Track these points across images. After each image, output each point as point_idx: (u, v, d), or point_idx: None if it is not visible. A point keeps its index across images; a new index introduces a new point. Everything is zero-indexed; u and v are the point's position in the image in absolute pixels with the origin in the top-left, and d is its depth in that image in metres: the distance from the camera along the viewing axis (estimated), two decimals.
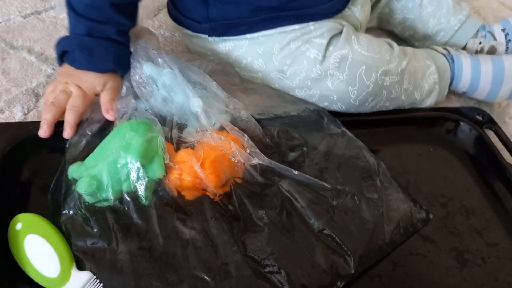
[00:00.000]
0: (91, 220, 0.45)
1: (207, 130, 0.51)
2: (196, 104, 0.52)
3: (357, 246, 0.47)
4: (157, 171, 0.47)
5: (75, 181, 0.47)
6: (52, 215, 0.47)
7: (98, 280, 0.42)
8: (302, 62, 0.61)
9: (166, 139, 0.50)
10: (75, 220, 0.45)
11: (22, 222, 0.45)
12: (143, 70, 0.55)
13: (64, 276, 0.43)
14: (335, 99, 0.62)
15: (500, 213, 0.57)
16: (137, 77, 0.55)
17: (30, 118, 0.61)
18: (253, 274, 0.43)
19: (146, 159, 0.46)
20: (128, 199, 0.46)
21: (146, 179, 0.47)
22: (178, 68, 0.55)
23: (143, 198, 0.46)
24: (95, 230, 0.45)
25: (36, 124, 0.57)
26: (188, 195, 0.48)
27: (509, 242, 0.54)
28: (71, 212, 0.46)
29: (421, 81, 0.65)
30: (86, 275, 0.42)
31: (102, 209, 0.46)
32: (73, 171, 0.47)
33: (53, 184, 0.49)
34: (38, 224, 0.45)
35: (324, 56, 0.60)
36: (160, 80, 0.54)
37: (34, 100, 0.64)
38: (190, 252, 0.44)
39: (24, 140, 0.54)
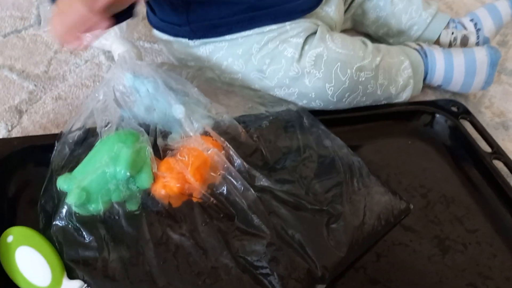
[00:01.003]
0: (82, 230, 0.46)
1: (191, 135, 0.52)
2: (178, 110, 0.54)
3: (343, 243, 0.48)
4: (145, 181, 0.48)
5: (63, 193, 0.48)
6: (43, 227, 0.48)
7: None
8: (280, 61, 0.62)
9: (152, 147, 0.51)
10: (66, 231, 0.46)
11: (13, 235, 0.46)
12: (126, 80, 0.56)
13: (55, 285, 0.43)
14: (313, 96, 0.63)
15: (478, 200, 0.59)
16: (121, 87, 0.56)
17: (14, 134, 0.62)
18: (245, 277, 0.44)
19: (134, 170, 0.47)
20: (117, 208, 0.47)
21: (136, 188, 0.48)
22: (159, 77, 0.56)
23: (132, 207, 0.47)
24: (87, 240, 0.46)
25: (20, 140, 0.58)
26: (176, 202, 0.49)
27: (488, 227, 0.56)
28: (62, 223, 0.46)
29: (396, 76, 0.67)
30: (76, 284, 0.43)
31: (92, 219, 0.47)
32: (62, 182, 0.48)
33: (42, 195, 0.50)
34: (29, 236, 0.46)
35: (301, 55, 0.62)
36: (143, 89, 0.55)
37: (17, 116, 0.64)
38: (181, 258, 0.45)
39: (9, 156, 0.55)
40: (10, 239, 0.46)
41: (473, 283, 0.50)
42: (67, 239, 0.46)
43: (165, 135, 0.54)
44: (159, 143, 0.52)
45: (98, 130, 0.51)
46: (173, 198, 0.48)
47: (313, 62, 0.62)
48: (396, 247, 0.53)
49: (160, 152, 0.52)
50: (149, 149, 0.49)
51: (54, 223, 0.47)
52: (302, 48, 0.62)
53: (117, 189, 0.47)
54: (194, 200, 0.48)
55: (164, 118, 0.55)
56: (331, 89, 0.62)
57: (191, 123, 0.53)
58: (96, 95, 0.53)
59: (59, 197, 0.48)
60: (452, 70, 0.70)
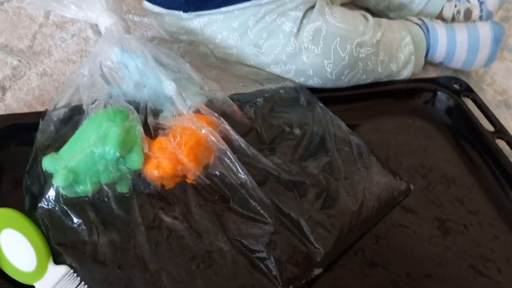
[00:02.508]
0: (70, 213, 0.44)
1: (184, 114, 0.50)
2: (169, 87, 0.51)
3: (341, 226, 0.46)
4: (136, 161, 0.46)
5: (49, 174, 0.46)
6: (28, 209, 0.46)
7: (75, 274, 0.41)
8: (278, 35, 0.59)
9: (143, 126, 0.48)
10: (53, 213, 0.44)
11: None
12: (114, 55, 0.53)
13: (41, 270, 0.42)
14: (311, 73, 0.61)
15: (480, 180, 0.58)
16: (108, 62, 0.53)
17: None
18: (240, 261, 0.43)
19: (124, 149, 0.45)
20: (107, 190, 0.45)
21: (126, 169, 0.45)
22: (149, 51, 0.53)
23: (123, 189, 0.45)
24: (75, 223, 0.44)
25: (4, 118, 0.56)
26: (169, 183, 0.47)
27: (490, 208, 0.55)
28: (48, 205, 0.44)
29: (397, 52, 0.64)
30: (63, 269, 0.41)
31: (81, 202, 0.44)
32: (48, 163, 0.46)
33: (27, 175, 0.48)
34: (15, 218, 0.44)
35: (299, 29, 0.59)
36: (132, 65, 0.53)
37: (0, 93, 0.61)
38: (174, 241, 0.43)
39: None
40: None
41: (474, 265, 0.49)
42: (54, 222, 0.44)
43: (156, 113, 0.51)
44: (150, 121, 0.49)
45: (84, 107, 0.48)
46: (166, 179, 0.46)
47: (311, 37, 0.59)
48: (396, 228, 0.51)
49: (151, 132, 0.49)
50: (140, 128, 0.47)
51: (39, 205, 0.44)
52: (301, 22, 0.59)
53: (106, 170, 0.45)
54: (188, 181, 0.46)
55: (155, 95, 0.52)
56: (329, 66, 0.60)
57: (183, 101, 0.50)
58: (82, 70, 0.50)
59: (45, 178, 0.46)
60: (455, 46, 0.68)
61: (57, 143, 0.49)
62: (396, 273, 0.47)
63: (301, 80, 0.62)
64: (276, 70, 0.62)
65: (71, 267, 0.41)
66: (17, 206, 0.45)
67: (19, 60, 0.66)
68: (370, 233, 0.50)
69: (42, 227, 0.44)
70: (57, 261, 0.42)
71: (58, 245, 0.43)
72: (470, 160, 0.60)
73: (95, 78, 0.52)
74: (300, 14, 0.59)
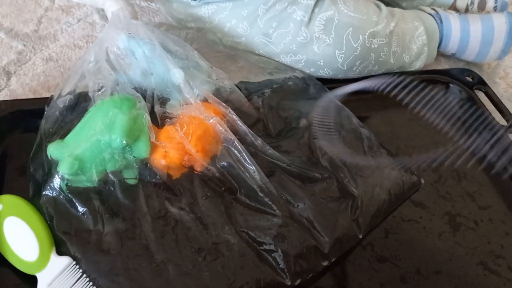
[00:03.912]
0: (75, 201, 0.43)
1: (191, 103, 0.49)
2: (177, 75, 0.50)
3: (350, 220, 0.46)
4: (142, 150, 0.45)
5: (54, 161, 0.45)
6: (32, 196, 0.45)
7: (77, 266, 0.41)
8: (288, 24, 0.58)
9: (149, 115, 0.47)
10: (57, 202, 0.43)
11: (3, 203, 0.43)
12: (120, 41, 0.52)
13: (43, 260, 0.41)
14: (321, 64, 0.59)
15: (491, 176, 0.56)
16: (115, 48, 0.52)
17: (2, 97, 0.58)
18: (247, 253, 0.42)
19: (131, 138, 0.44)
20: (113, 179, 0.44)
21: (132, 158, 0.45)
22: (157, 38, 0.52)
23: (129, 178, 0.44)
24: (80, 211, 0.43)
25: (8, 104, 0.55)
26: (176, 174, 0.46)
27: (501, 204, 0.54)
28: (53, 193, 0.44)
29: (410, 43, 0.63)
30: (65, 260, 0.41)
31: (86, 190, 0.44)
32: (53, 150, 0.45)
33: (31, 162, 0.47)
34: (19, 206, 0.44)
35: (310, 18, 0.57)
36: (139, 52, 0.51)
37: (5, 78, 0.60)
38: (180, 233, 0.42)
39: None
40: None
41: (484, 261, 0.48)
42: (59, 211, 0.43)
43: (163, 101, 0.50)
44: (156, 110, 0.49)
45: (90, 94, 0.47)
46: (173, 169, 0.45)
47: (323, 26, 0.57)
48: (406, 223, 0.50)
49: (158, 120, 0.48)
50: (147, 117, 0.46)
51: (44, 193, 0.44)
52: (312, 11, 0.57)
53: (112, 159, 0.44)
54: (195, 172, 0.45)
55: (162, 83, 0.51)
56: (341, 57, 0.58)
57: (190, 89, 0.49)
58: (88, 56, 0.49)
59: (50, 166, 0.45)
60: (468, 38, 0.66)
61: (62, 130, 0.48)
62: (405, 268, 0.47)
63: (311, 70, 0.61)
64: (286, 60, 0.61)
65: (75, 257, 0.41)
66: (22, 193, 0.45)
67: (24, 45, 0.65)
68: (380, 228, 0.49)
69: (46, 216, 0.43)
70: (60, 252, 0.42)
71: (62, 233, 0.42)
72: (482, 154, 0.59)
73: (101, 64, 0.51)
74: (312, 2, 0.57)
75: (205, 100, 0.50)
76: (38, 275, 0.41)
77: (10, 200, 0.44)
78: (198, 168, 0.45)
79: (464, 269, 0.47)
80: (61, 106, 0.49)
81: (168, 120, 0.48)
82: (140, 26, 0.52)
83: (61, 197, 0.43)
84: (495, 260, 0.49)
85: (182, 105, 0.49)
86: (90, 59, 0.49)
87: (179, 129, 0.46)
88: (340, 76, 0.61)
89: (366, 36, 0.58)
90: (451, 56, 0.71)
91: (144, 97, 0.49)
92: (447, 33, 0.66)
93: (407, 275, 0.46)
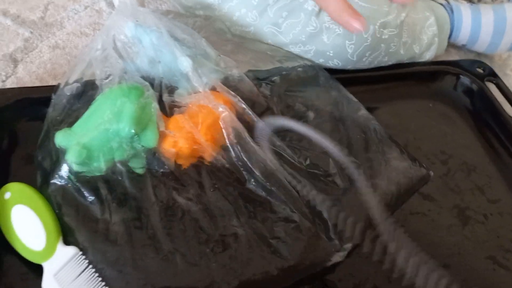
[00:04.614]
0: (83, 190, 0.43)
1: (200, 91, 0.48)
2: (185, 64, 0.49)
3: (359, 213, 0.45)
4: (151, 139, 0.44)
5: (62, 149, 0.45)
6: (40, 185, 0.45)
7: (83, 257, 0.40)
8: (299, 15, 0.57)
9: (158, 104, 0.47)
10: (65, 190, 0.43)
11: (11, 191, 0.43)
12: (127, 29, 0.51)
13: (49, 250, 0.41)
14: (331, 54, 0.59)
15: (501, 169, 0.56)
16: (122, 36, 0.51)
17: (9, 84, 0.58)
18: (256, 245, 0.42)
19: (139, 127, 0.44)
20: (121, 168, 0.44)
21: (140, 147, 0.44)
22: (164, 26, 0.51)
23: (137, 167, 0.44)
24: (88, 200, 0.43)
25: (15, 91, 0.54)
26: (184, 163, 0.45)
27: (511, 197, 0.53)
28: (61, 181, 0.43)
29: (420, 34, 0.62)
30: (71, 250, 0.41)
31: (94, 179, 0.43)
32: (61, 138, 0.45)
33: (38, 150, 0.47)
34: (28, 194, 0.43)
35: (321, 9, 0.56)
36: (146, 40, 0.51)
37: (12, 66, 0.60)
38: (188, 223, 0.42)
39: (3, 108, 0.51)
40: (7, 195, 0.43)
41: (493, 256, 0.48)
42: (66, 199, 0.43)
43: (171, 90, 0.50)
44: (165, 99, 0.48)
45: (98, 82, 0.47)
46: (181, 158, 0.45)
47: None
48: (414, 216, 0.50)
49: (167, 109, 0.48)
50: (155, 105, 0.45)
51: (52, 181, 0.44)
52: None
53: (120, 147, 0.44)
54: (204, 162, 0.45)
55: (170, 72, 0.50)
56: (351, 47, 0.58)
57: (199, 78, 0.49)
58: (95, 44, 0.49)
59: (57, 154, 0.45)
60: (480, 28, 0.65)
61: (70, 118, 0.47)
62: None
63: (320, 61, 0.60)
64: (295, 50, 0.60)
65: (82, 246, 0.41)
66: (29, 181, 0.45)
67: (31, 32, 0.65)
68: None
69: (54, 204, 0.43)
70: (67, 241, 0.41)
71: (70, 222, 0.42)
72: (492, 147, 0.58)
73: (108, 52, 0.50)
74: None
75: (213, 89, 0.49)
76: (44, 264, 0.41)
77: (18, 188, 0.44)
78: (207, 158, 0.45)
79: (472, 263, 0.47)
80: (68, 94, 0.48)
81: (177, 109, 0.48)
82: (148, 14, 0.51)
83: (69, 185, 0.43)
84: (504, 254, 0.48)
85: (191, 94, 0.48)
86: (97, 47, 0.49)
87: (188, 118, 0.45)
88: (350, 67, 0.60)
89: (376, 27, 0.57)
90: (462, 47, 0.70)
91: (152, 86, 0.49)
92: (458, 24, 0.65)
93: None
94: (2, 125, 0.51)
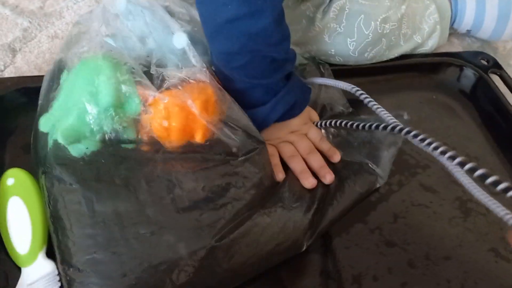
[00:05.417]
0: (64, 173, 0.40)
1: (196, 66, 0.45)
2: (181, 39, 0.47)
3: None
4: (134, 105, 0.42)
5: (44, 134, 0.42)
6: (37, 176, 0.44)
7: (58, 278, 0.40)
8: (300, 21, 0.57)
9: (148, 77, 0.43)
10: (49, 176, 0.40)
11: (14, 178, 0.43)
12: (120, 3, 0.49)
13: (31, 257, 0.40)
14: (332, 52, 0.58)
15: (504, 161, 0.55)
16: (111, 11, 0.49)
17: (7, 74, 0.57)
18: (245, 212, 0.41)
19: (119, 103, 0.41)
20: (112, 140, 0.41)
21: (127, 117, 0.41)
22: (159, 3, 0.49)
23: (126, 140, 0.41)
24: (71, 183, 0.40)
25: (14, 80, 0.54)
26: (176, 139, 0.43)
27: None
28: (45, 168, 0.41)
29: (420, 23, 0.61)
30: (50, 266, 0.40)
31: (75, 160, 0.40)
32: (44, 124, 0.42)
33: (32, 140, 0.44)
34: (27, 187, 0.43)
35: (324, 11, 0.56)
36: (139, 15, 0.49)
37: (10, 55, 0.60)
38: (177, 195, 0.40)
39: (1, 97, 0.51)
40: (10, 181, 0.43)
41: (494, 248, 0.47)
42: (53, 185, 0.40)
43: (160, 65, 0.47)
44: (153, 71, 0.44)
45: (70, 57, 0.44)
46: (174, 132, 0.42)
47: (335, 16, 0.56)
48: (415, 208, 0.49)
49: (158, 82, 0.44)
50: (135, 78, 0.42)
51: (41, 169, 0.42)
52: (327, 4, 0.57)
53: (105, 120, 0.41)
54: (196, 137, 0.43)
55: (160, 49, 0.48)
56: (352, 44, 0.57)
57: (195, 52, 0.45)
58: (80, 21, 0.47)
59: (45, 140, 0.42)
60: (484, 12, 0.64)
61: (51, 101, 0.44)
62: (413, 253, 0.46)
63: (321, 58, 0.59)
64: (296, 50, 0.59)
65: (72, 232, 0.39)
66: (26, 170, 0.44)
67: (29, 22, 0.64)
68: (388, 212, 0.49)
69: (45, 193, 0.41)
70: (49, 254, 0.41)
71: (57, 209, 0.40)
72: (495, 139, 0.58)
73: (90, 27, 0.46)
74: None
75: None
76: (23, 270, 0.40)
77: (21, 176, 0.43)
78: (199, 133, 0.43)
79: (474, 255, 0.46)
80: (47, 77, 0.46)
81: (168, 82, 0.44)
82: None
83: (53, 171, 0.40)
84: (506, 246, 0.48)
85: (183, 69, 0.45)
86: (82, 23, 0.46)
87: (182, 91, 0.43)
88: (352, 62, 0.59)
89: (378, 22, 0.56)
90: (465, 39, 0.69)
91: (138, 61, 0.45)
92: (462, 8, 0.64)
93: (416, 260, 0.45)
94: (1, 113, 0.50)
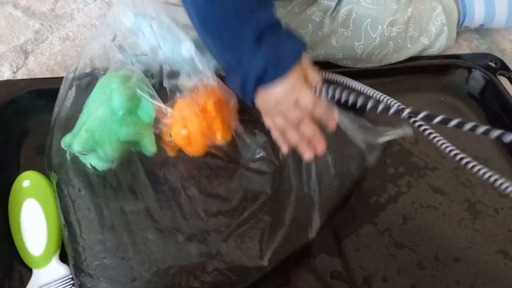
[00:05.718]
0: (74, 180, 0.42)
1: (203, 73, 0.46)
2: (189, 48, 0.48)
3: None
4: (149, 110, 0.43)
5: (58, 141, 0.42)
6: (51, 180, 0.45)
7: (72, 282, 0.40)
8: (307, 26, 0.57)
9: (158, 90, 0.45)
10: (63, 181, 0.42)
11: (30, 180, 0.43)
12: (127, 19, 0.50)
13: (44, 259, 0.41)
14: (340, 56, 0.58)
15: None
16: (122, 27, 0.50)
17: (20, 76, 0.58)
18: (250, 217, 0.42)
19: (131, 103, 0.42)
20: (133, 153, 0.43)
21: (142, 122, 0.43)
22: (165, 12, 0.50)
23: (149, 149, 0.43)
24: (80, 189, 0.41)
25: (26, 82, 0.55)
26: (195, 149, 0.44)
27: None
28: (61, 172, 0.43)
29: (427, 25, 0.61)
30: (64, 269, 0.41)
31: (85, 167, 0.42)
32: (66, 142, 0.42)
33: (47, 147, 0.45)
34: (44, 190, 0.43)
35: (331, 16, 0.57)
36: (146, 28, 0.50)
37: (23, 57, 0.60)
38: (184, 200, 0.42)
39: (15, 99, 0.51)
40: (26, 183, 0.43)
41: (504, 250, 0.48)
42: (63, 190, 0.42)
43: (173, 75, 0.47)
44: (165, 84, 0.46)
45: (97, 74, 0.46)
46: (194, 140, 0.44)
47: (342, 20, 0.56)
48: (424, 209, 0.50)
49: (168, 93, 0.45)
50: (145, 83, 0.44)
51: (53, 174, 0.43)
52: (334, 9, 0.57)
53: (122, 126, 0.42)
54: (217, 137, 0.44)
55: (171, 58, 0.49)
56: (360, 48, 0.57)
57: (203, 60, 0.47)
58: (95, 36, 0.48)
59: (59, 148, 0.43)
60: (494, 4, 0.64)
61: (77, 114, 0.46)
62: (423, 255, 0.46)
63: (330, 62, 0.59)
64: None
65: (82, 238, 0.40)
66: (39, 171, 0.45)
67: (41, 24, 0.65)
68: (397, 213, 0.49)
69: (57, 198, 0.42)
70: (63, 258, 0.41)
71: (68, 214, 0.41)
72: (503, 141, 0.58)
73: (106, 44, 0.48)
74: (333, 4, 0.56)
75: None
76: (34, 271, 0.40)
77: (38, 179, 0.43)
78: (218, 136, 0.44)
79: (483, 257, 0.47)
80: (73, 88, 0.47)
81: (179, 93, 0.45)
82: (148, 3, 0.51)
83: (64, 177, 0.42)
84: None
85: (193, 78, 0.47)
86: (98, 39, 0.48)
87: (195, 99, 0.44)
88: (360, 65, 0.60)
89: (385, 26, 0.57)
90: (480, 27, 0.68)
91: (152, 75, 0.47)
92: (470, 6, 0.64)
93: (425, 261, 0.46)
94: (14, 115, 0.51)
